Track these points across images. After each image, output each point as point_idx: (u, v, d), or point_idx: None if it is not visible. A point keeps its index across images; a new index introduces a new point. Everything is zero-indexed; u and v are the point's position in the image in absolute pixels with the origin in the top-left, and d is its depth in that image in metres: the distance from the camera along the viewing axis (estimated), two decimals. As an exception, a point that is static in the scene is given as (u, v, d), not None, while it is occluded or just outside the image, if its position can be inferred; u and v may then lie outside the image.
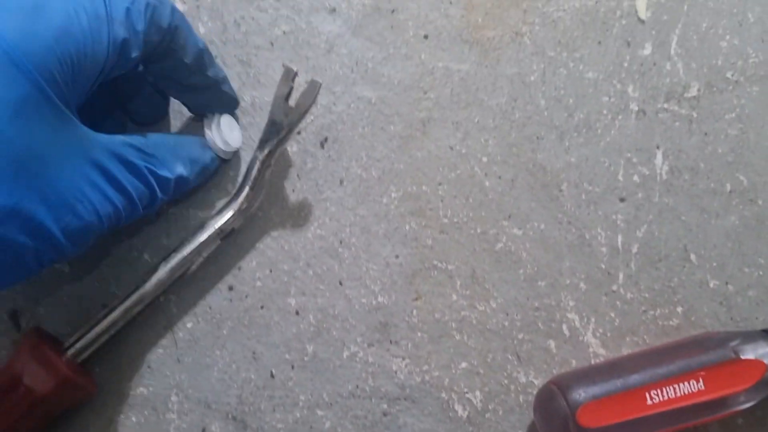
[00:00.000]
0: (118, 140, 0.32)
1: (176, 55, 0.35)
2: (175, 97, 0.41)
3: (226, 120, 0.41)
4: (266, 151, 0.39)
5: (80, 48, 0.28)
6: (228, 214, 0.39)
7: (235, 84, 0.43)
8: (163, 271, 0.38)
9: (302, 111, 0.38)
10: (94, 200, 0.30)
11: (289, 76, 0.38)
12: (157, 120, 0.42)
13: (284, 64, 0.38)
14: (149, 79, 0.39)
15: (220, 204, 0.42)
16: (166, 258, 0.39)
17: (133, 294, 0.38)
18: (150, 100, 0.40)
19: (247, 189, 0.39)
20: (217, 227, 0.39)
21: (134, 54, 0.31)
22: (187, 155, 0.38)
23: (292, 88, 0.39)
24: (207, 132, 0.40)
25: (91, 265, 0.41)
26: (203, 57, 0.37)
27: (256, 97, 0.44)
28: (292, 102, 0.39)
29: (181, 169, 0.36)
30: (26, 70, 0.26)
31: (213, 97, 0.40)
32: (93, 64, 0.29)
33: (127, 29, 0.30)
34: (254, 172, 0.39)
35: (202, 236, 0.39)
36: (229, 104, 0.41)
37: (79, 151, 0.29)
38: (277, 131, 0.39)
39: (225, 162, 0.42)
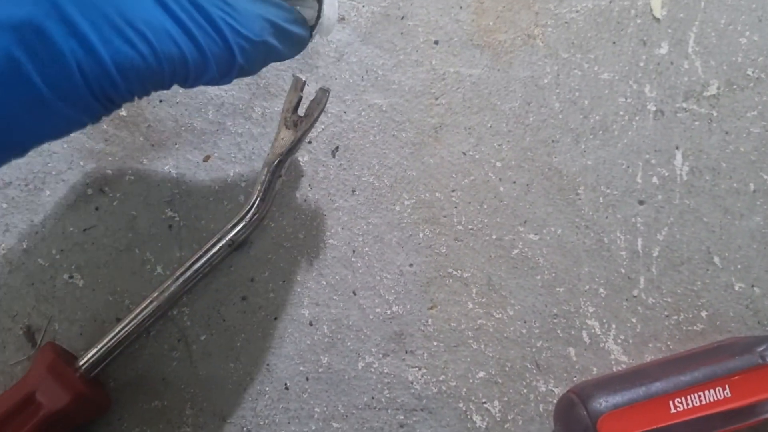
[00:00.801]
0: None
1: None
2: None
3: None
4: (276, 162, 0.39)
5: None
6: (239, 226, 0.39)
7: (245, 96, 0.43)
8: (175, 284, 0.38)
9: (311, 120, 0.38)
10: (149, 32, 0.25)
11: (298, 85, 0.38)
12: None
13: (294, 75, 0.38)
14: None
15: (231, 215, 0.42)
16: (177, 270, 0.38)
17: (146, 307, 0.38)
18: None
19: (258, 200, 0.39)
20: (228, 238, 0.39)
21: None
22: (277, 20, 0.31)
23: (301, 98, 0.38)
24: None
25: (105, 280, 0.41)
26: None
27: (267, 107, 0.43)
28: (301, 111, 0.38)
29: (267, 35, 0.30)
30: None
31: None
32: None
33: None
34: (265, 182, 0.39)
35: (214, 248, 0.39)
36: None
37: None
38: (287, 142, 0.39)
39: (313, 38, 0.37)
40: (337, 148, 0.43)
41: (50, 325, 0.41)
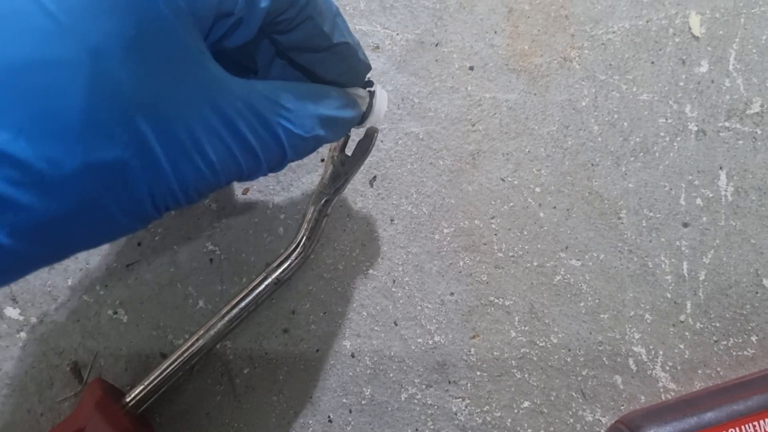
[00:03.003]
0: (253, 88, 0.28)
1: (313, 22, 0.30)
2: (308, 68, 0.35)
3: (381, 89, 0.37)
4: (323, 201, 0.39)
5: None
6: (285, 264, 0.39)
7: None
8: (221, 322, 0.38)
9: (359, 160, 0.38)
10: (214, 155, 0.26)
11: (372, 136, 0.38)
12: None
13: (370, 127, 0.37)
14: (280, 48, 0.34)
15: (271, 247, 0.42)
16: (224, 308, 0.39)
17: (192, 345, 0.38)
18: (284, 73, 0.36)
19: (304, 238, 0.39)
20: (274, 277, 0.39)
21: (263, 4, 0.27)
22: (329, 111, 0.32)
23: (349, 137, 0.38)
24: (377, 90, 0.36)
25: (148, 315, 0.42)
26: (338, 21, 0.32)
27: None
28: (349, 151, 0.38)
29: (318, 129, 0.31)
30: None
31: (349, 66, 0.34)
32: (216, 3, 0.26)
33: None
34: (311, 221, 0.39)
35: (260, 287, 0.39)
36: (364, 71, 0.36)
37: (205, 96, 0.26)
38: (334, 181, 0.38)
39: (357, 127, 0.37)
40: (374, 177, 0.43)
41: (96, 360, 0.41)
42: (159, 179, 0.25)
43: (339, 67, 0.34)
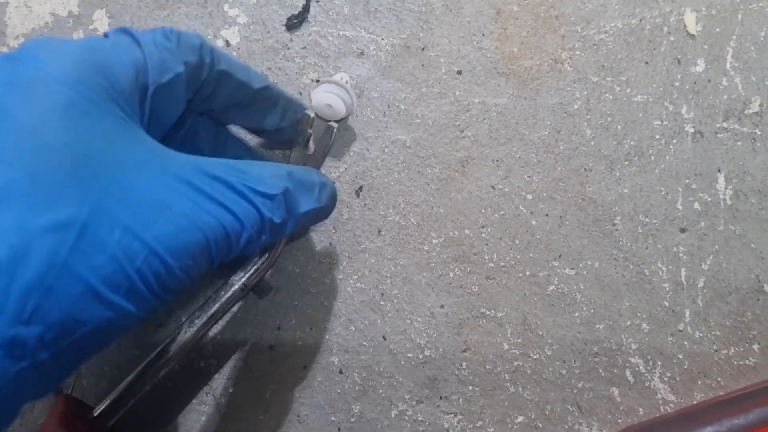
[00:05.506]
0: (199, 159, 0.29)
1: (228, 75, 0.33)
2: (252, 129, 0.38)
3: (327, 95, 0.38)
4: None
5: (108, 60, 0.28)
6: (251, 270, 0.38)
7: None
8: (189, 333, 0.37)
9: (319, 156, 0.37)
10: (188, 210, 0.27)
11: (307, 122, 0.37)
12: None
13: (304, 111, 0.37)
14: (216, 116, 0.37)
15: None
16: (190, 318, 0.37)
17: (160, 356, 0.37)
18: (226, 142, 0.38)
19: None
20: (240, 283, 0.37)
21: (178, 69, 0.30)
22: (291, 171, 0.33)
23: (310, 135, 0.37)
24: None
25: (130, 334, 0.41)
26: (250, 70, 0.35)
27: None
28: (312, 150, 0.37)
29: (285, 184, 0.32)
30: (62, 79, 0.25)
31: (281, 108, 0.37)
32: (131, 77, 0.28)
33: (156, 48, 0.30)
34: None
35: (227, 294, 0.37)
36: (298, 107, 0.38)
37: (154, 161, 0.27)
38: None
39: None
40: (361, 187, 0.42)
41: (78, 381, 0.40)
42: (130, 236, 0.25)
43: (274, 114, 0.37)
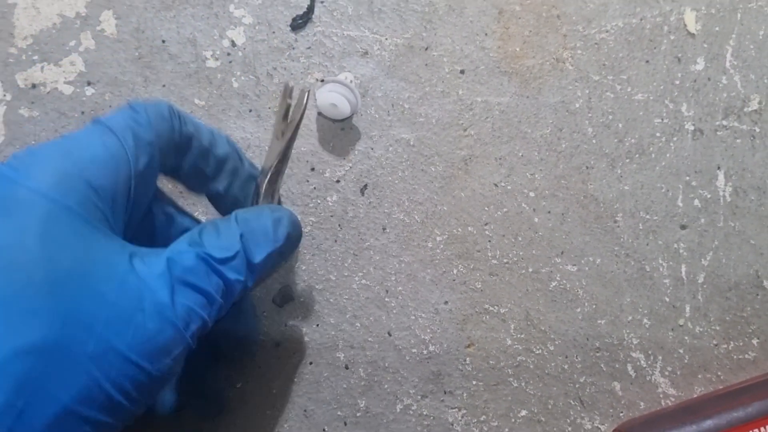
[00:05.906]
0: (173, 247, 0.29)
1: (196, 140, 0.33)
2: (221, 194, 0.37)
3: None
4: (269, 174, 0.36)
5: (86, 162, 0.28)
6: None
7: (270, 135, 0.42)
8: None
9: (294, 124, 0.35)
10: (160, 308, 0.27)
11: (287, 92, 0.36)
12: None
13: (286, 83, 0.36)
14: (182, 182, 0.36)
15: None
16: None
17: None
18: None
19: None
20: None
21: (153, 150, 0.30)
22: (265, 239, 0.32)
23: (290, 105, 0.36)
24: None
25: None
26: (215, 134, 0.35)
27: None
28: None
29: (237, 243, 0.31)
30: (42, 191, 0.25)
31: (239, 178, 0.36)
32: (112, 173, 0.28)
33: (131, 131, 0.30)
34: (260, 199, 0.36)
35: None
36: (254, 172, 0.38)
37: (125, 266, 0.27)
38: (275, 152, 0.36)
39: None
40: (365, 186, 0.43)
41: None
42: (101, 347, 0.25)
43: (239, 185, 0.36)
